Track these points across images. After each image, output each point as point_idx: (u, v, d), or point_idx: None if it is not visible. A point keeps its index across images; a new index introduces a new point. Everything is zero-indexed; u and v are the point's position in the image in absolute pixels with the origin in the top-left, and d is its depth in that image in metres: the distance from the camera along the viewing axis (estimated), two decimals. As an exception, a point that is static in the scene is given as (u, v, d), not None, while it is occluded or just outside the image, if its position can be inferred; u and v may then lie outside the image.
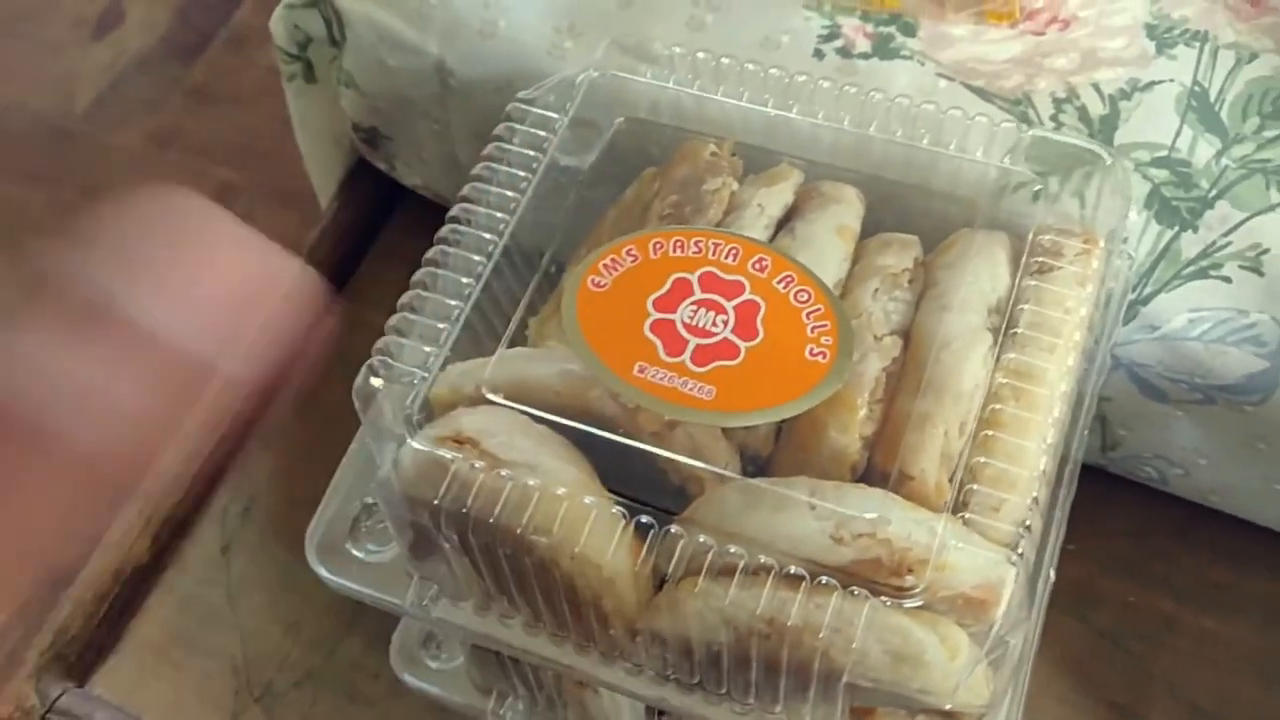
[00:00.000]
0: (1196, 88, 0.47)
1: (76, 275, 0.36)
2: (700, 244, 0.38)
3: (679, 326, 0.36)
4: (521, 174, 0.41)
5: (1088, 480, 0.39)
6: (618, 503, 0.34)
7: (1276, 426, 0.46)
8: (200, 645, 0.53)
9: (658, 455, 0.36)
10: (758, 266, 0.37)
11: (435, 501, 0.35)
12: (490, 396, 0.37)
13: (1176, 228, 0.45)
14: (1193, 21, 0.49)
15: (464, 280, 0.39)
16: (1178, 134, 0.47)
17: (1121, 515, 0.53)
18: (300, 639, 0.53)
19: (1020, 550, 0.33)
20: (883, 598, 0.32)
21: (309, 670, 0.52)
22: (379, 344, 0.37)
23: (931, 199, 0.42)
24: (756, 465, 0.37)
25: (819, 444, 0.36)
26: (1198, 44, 0.48)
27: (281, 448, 0.58)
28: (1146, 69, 0.48)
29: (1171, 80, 0.47)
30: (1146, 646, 0.51)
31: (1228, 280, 0.45)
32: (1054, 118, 0.47)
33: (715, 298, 0.37)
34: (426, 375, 0.37)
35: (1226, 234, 0.45)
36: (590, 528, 0.34)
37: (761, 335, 0.36)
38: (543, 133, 0.42)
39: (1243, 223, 0.45)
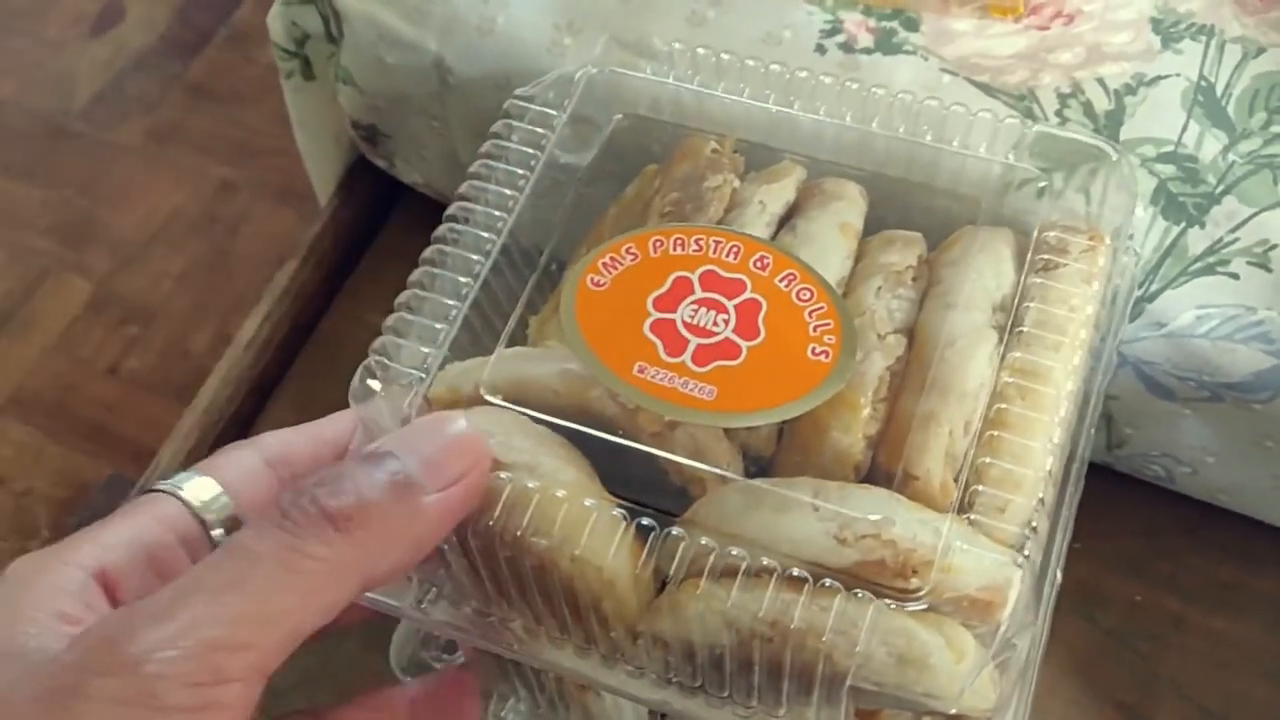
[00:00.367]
0: (1203, 82, 0.47)
1: None
2: (701, 242, 0.37)
3: (679, 326, 0.36)
4: (520, 172, 0.40)
5: (1094, 478, 0.39)
6: (618, 504, 0.34)
7: (1285, 424, 0.45)
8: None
9: (658, 456, 0.35)
10: (759, 265, 0.37)
11: (434, 503, 0.34)
12: (489, 397, 0.36)
13: (1183, 224, 0.45)
14: (1199, 15, 0.49)
15: (462, 280, 0.38)
16: (1184, 129, 0.46)
17: (1129, 514, 0.53)
18: (300, 640, 0.53)
19: (1026, 552, 0.33)
20: (887, 600, 0.32)
21: (307, 670, 0.52)
22: (376, 344, 0.37)
23: (935, 196, 0.41)
24: (758, 466, 0.37)
25: (822, 444, 0.35)
26: (1204, 38, 0.48)
27: (281, 448, 0.57)
28: (1152, 63, 0.47)
29: (1178, 75, 0.47)
30: (1154, 646, 0.51)
31: (1235, 276, 0.44)
32: (1059, 113, 0.47)
33: (716, 296, 0.36)
34: (424, 376, 0.37)
35: (1234, 230, 0.45)
36: (590, 529, 0.33)
37: (763, 334, 0.36)
38: (541, 130, 0.41)
39: (1250, 218, 0.45)
